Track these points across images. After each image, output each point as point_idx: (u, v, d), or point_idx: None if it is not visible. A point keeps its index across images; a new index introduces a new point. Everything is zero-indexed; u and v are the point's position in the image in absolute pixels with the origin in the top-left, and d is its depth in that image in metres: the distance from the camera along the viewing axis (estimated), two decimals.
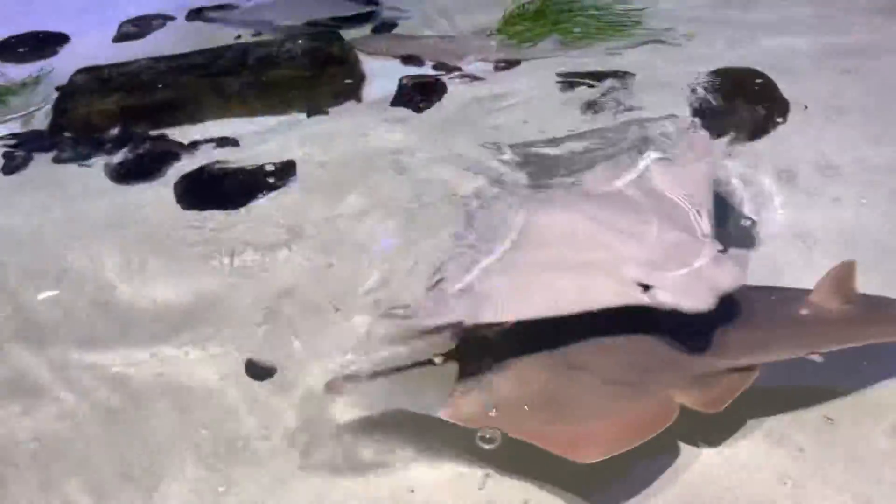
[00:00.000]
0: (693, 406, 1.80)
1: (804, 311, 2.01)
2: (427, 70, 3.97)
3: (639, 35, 4.07)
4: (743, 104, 3.36)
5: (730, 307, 1.97)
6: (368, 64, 4.07)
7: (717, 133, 3.11)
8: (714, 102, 3.39)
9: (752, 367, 1.85)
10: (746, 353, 1.90)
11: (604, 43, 4.04)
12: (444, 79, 3.85)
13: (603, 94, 3.55)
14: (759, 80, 3.51)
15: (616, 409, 1.84)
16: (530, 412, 1.87)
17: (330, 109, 3.68)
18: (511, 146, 3.15)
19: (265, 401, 2.17)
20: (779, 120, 3.24)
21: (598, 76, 3.70)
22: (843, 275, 2.06)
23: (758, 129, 3.19)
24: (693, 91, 3.47)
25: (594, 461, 1.70)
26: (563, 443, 1.75)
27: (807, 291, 2.09)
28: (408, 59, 4.09)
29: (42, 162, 3.48)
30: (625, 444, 1.71)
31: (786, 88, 3.42)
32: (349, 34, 4.43)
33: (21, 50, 4.64)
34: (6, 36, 4.79)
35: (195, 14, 4.98)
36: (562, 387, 1.91)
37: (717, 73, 3.58)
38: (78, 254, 2.80)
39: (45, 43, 4.71)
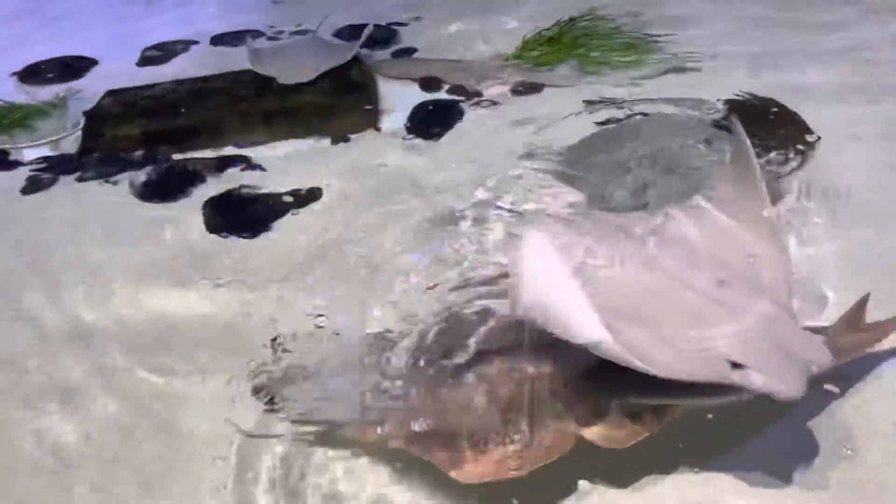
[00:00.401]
0: (594, 440, 1.80)
1: None
2: (445, 94, 4.03)
3: (658, 60, 4.10)
4: (760, 132, 3.37)
5: None
6: (388, 88, 4.15)
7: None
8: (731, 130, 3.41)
9: (666, 409, 1.83)
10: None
11: (622, 68, 4.07)
12: (463, 103, 3.91)
13: (624, 119, 3.57)
14: (774, 110, 3.52)
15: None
16: (426, 424, 1.90)
17: (350, 134, 3.73)
18: (537, 172, 3.17)
19: None
20: (799, 147, 3.24)
21: (618, 100, 3.72)
22: None
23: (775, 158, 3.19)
24: (710, 117, 3.49)
25: (472, 482, 1.76)
26: (447, 459, 1.80)
27: None
28: (427, 84, 4.15)
29: (67, 182, 3.55)
30: (510, 470, 1.74)
31: (805, 117, 3.43)
32: (369, 58, 4.52)
33: (49, 75, 4.75)
34: (35, 61, 4.92)
35: (218, 39, 5.10)
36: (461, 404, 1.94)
37: (735, 101, 3.61)
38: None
39: (72, 68, 4.83)
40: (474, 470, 1.76)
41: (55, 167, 3.68)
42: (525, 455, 1.77)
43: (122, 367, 2.45)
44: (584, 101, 3.74)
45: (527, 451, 1.78)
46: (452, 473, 1.77)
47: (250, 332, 2.52)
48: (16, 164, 3.76)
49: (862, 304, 2.06)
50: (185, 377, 2.38)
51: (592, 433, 1.80)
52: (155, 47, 5.05)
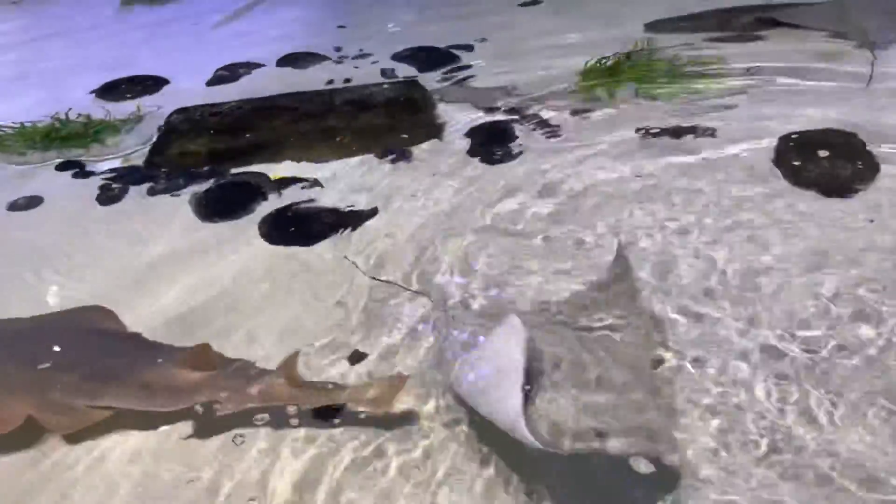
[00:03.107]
0: (43, 424, 2.19)
1: (165, 374, 2.28)
2: (504, 118, 4.04)
3: (718, 89, 4.05)
4: (825, 162, 3.28)
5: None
6: (447, 112, 4.19)
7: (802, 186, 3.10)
8: (795, 158, 3.33)
9: (108, 407, 2.22)
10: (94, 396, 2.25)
11: (682, 96, 4.03)
12: (521, 127, 3.91)
13: (682, 147, 3.53)
14: (842, 139, 3.43)
15: None
16: None
17: (409, 155, 3.76)
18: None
19: None
20: (863, 180, 3.14)
21: (677, 129, 3.69)
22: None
23: (840, 188, 3.10)
24: (772, 145, 3.42)
25: None
26: None
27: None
28: (486, 107, 4.17)
29: (137, 195, 3.67)
30: None
31: (873, 147, 3.32)
32: (430, 83, 4.58)
33: (126, 94, 4.96)
34: (113, 79, 5.15)
35: (284, 60, 5.26)
36: None
37: (800, 130, 3.53)
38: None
39: (146, 86, 5.03)
40: None
41: (125, 178, 3.81)
42: None
43: None
44: (635, 128, 3.74)
45: None
46: None
47: None
48: (90, 174, 3.91)
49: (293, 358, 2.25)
50: None
51: (43, 420, 2.20)
52: (223, 68, 5.24)
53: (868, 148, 3.29)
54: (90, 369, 2.34)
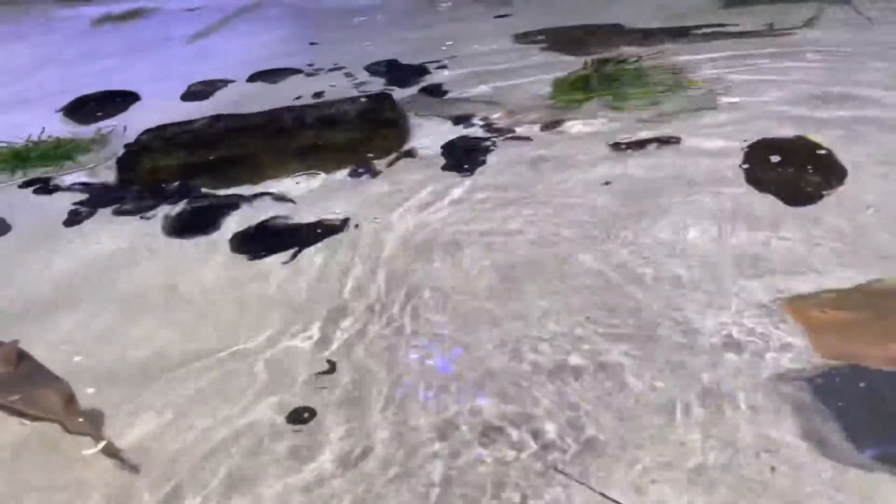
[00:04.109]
0: None
1: None
2: (477, 132, 4.05)
3: (686, 100, 4.10)
4: (792, 169, 3.33)
5: None
6: (419, 125, 4.20)
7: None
8: (760, 166, 3.38)
9: None
10: None
11: (651, 108, 4.07)
12: (493, 140, 3.93)
13: (652, 157, 3.57)
14: (808, 147, 3.48)
15: None
16: None
17: (382, 169, 3.77)
18: None
19: None
20: (829, 187, 3.19)
21: (645, 140, 3.72)
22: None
23: (805, 195, 3.15)
24: (740, 153, 3.48)
25: None
26: None
27: None
28: (458, 121, 4.19)
29: (105, 214, 3.64)
30: None
31: (840, 156, 3.38)
32: (401, 96, 4.58)
33: (96, 112, 4.91)
34: (84, 95, 5.10)
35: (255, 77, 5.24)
36: None
37: (766, 139, 3.59)
38: None
39: (117, 102, 5.00)
40: None
41: (94, 199, 3.77)
42: None
43: None
44: (605, 138, 3.77)
45: None
46: None
47: None
48: (58, 196, 3.86)
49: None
50: None
51: None
52: (195, 84, 5.21)
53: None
54: None
